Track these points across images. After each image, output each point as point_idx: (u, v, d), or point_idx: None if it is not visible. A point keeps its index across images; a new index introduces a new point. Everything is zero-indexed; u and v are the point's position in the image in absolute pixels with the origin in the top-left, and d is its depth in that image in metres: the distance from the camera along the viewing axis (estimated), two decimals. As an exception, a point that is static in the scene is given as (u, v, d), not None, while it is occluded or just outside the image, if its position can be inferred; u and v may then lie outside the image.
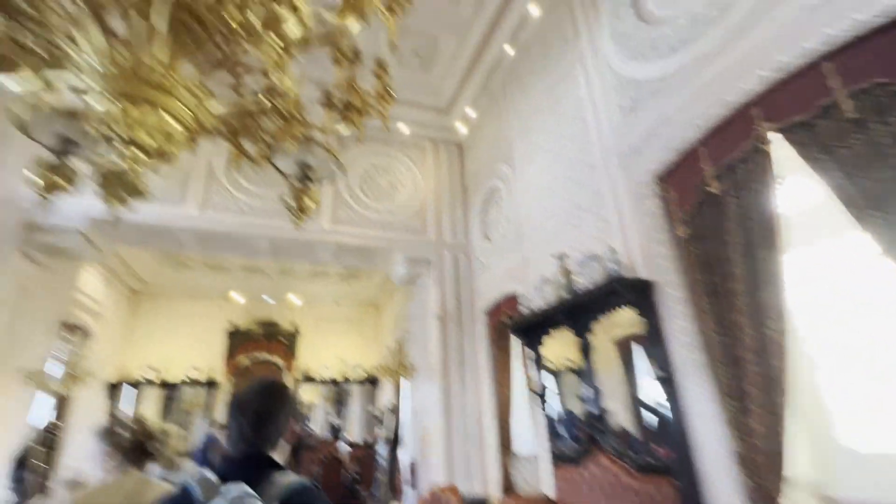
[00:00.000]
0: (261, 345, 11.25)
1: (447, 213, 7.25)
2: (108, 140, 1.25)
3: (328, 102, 1.94)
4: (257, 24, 0.92)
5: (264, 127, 1.67)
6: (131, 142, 1.20)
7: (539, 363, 4.63)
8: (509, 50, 6.02)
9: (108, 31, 1.17)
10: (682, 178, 3.29)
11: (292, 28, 0.94)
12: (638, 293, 3.44)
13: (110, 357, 9.22)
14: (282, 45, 0.96)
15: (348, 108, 1.80)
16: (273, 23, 0.92)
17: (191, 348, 10.62)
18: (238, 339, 11.13)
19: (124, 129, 1.19)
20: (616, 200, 3.95)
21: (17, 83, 1.43)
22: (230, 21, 1.09)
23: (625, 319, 3.66)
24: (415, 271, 6.87)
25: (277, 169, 1.86)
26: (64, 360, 5.72)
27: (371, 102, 1.85)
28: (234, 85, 1.59)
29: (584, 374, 3.96)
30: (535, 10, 5.41)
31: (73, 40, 1.29)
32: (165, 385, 10.01)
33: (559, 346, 4.56)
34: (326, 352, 11.65)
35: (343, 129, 1.79)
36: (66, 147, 1.63)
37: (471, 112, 7.19)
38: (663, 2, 3.73)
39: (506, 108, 6.36)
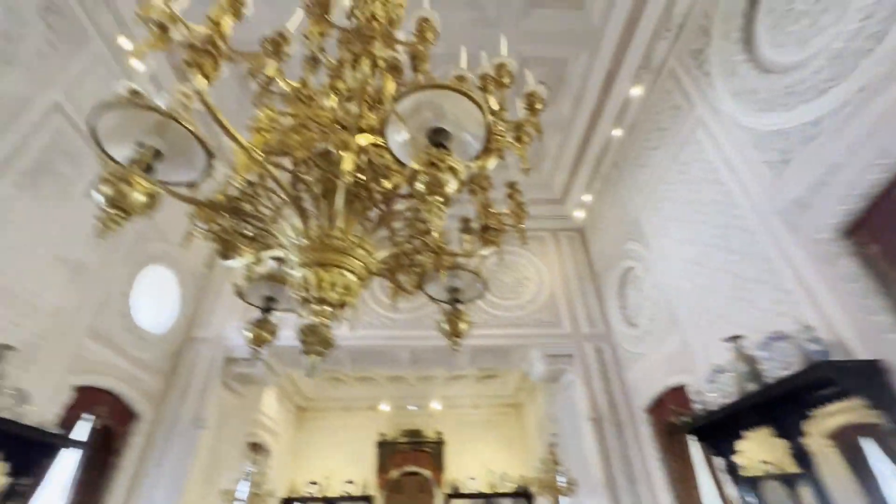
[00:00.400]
0: (408, 456, 11.26)
1: (580, 301, 6.90)
2: (304, 300, 1.49)
3: (466, 228, 2.09)
4: (423, 189, 1.06)
5: (416, 262, 1.84)
6: (321, 300, 1.41)
7: (734, 473, 3.73)
8: (616, 132, 6.04)
9: (302, 213, 1.47)
10: (885, 226, 2.67)
11: (452, 186, 1.06)
12: (863, 378, 2.68)
13: (282, 473, 10.06)
14: (442, 201, 1.07)
15: (486, 231, 1.90)
16: (436, 186, 1.05)
17: (346, 461, 11.10)
18: (387, 450, 11.33)
19: (316, 290, 1.41)
20: (792, 266, 3.33)
21: (236, 262, 1.84)
22: (397, 192, 1.30)
23: (839, 406, 2.85)
24: (555, 367, 6.45)
25: (430, 297, 1.99)
26: (250, 479, 6.39)
27: (507, 222, 1.93)
28: (391, 232, 1.81)
29: (800, 483, 3.05)
30: (636, 92, 5.44)
31: (276, 223, 1.64)
32: (326, 500, 10.41)
33: (753, 447, 3.65)
34: (471, 459, 11.13)
35: (484, 251, 1.87)
36: (269, 305, 1.99)
37: (586, 197, 7.15)
38: (787, 49, 3.45)
39: (623, 186, 6.18)
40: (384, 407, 11.80)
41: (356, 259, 1.46)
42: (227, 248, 1.85)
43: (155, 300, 5.94)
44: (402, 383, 11.50)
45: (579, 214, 7.49)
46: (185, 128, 1.22)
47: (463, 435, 11.61)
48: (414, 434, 11.57)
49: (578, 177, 7.07)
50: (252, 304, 1.99)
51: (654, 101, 5.35)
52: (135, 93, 1.57)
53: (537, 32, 5.16)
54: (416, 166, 1.10)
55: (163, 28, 1.27)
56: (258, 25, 2.56)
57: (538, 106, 1.65)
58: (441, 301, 2.03)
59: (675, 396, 4.84)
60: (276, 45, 1.42)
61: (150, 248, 5.62)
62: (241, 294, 1.92)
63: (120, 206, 1.16)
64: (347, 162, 1.22)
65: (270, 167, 1.36)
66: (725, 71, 4.12)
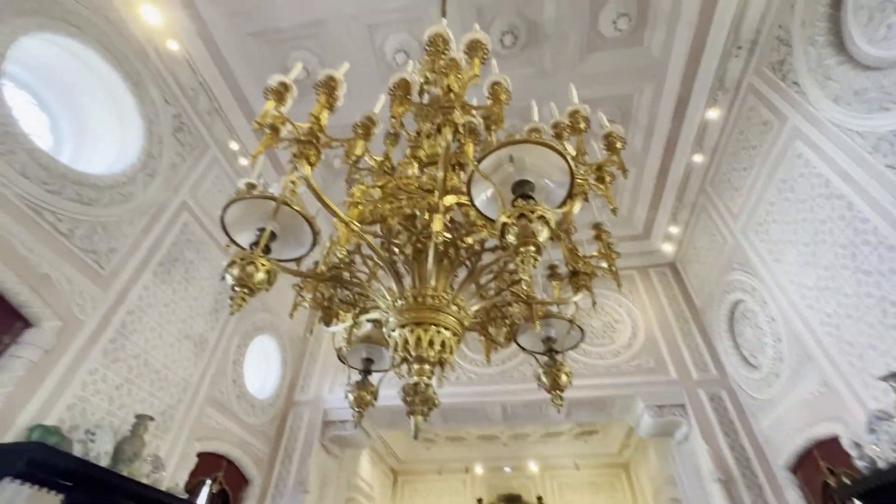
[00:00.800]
0: (509, 524, 10.47)
1: (683, 343, 6.25)
2: (403, 360, 1.52)
3: (553, 275, 2.04)
4: (515, 241, 1.07)
5: (507, 314, 1.82)
6: (419, 359, 1.43)
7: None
8: (697, 158, 5.69)
9: (396, 275, 1.54)
10: None
11: (544, 235, 1.06)
12: None
13: (380, 541, 9.81)
14: (535, 251, 1.07)
15: (575, 275, 1.84)
16: (528, 237, 1.05)
17: (443, 529, 10.57)
18: (486, 517, 10.65)
19: (414, 349, 1.44)
20: (957, 282, 2.76)
21: (336, 327, 1.95)
22: (482, 247, 1.34)
23: None
24: (666, 419, 5.77)
25: (524, 349, 1.93)
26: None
27: (595, 264, 1.86)
28: (478, 287, 1.83)
29: None
30: (713, 114, 5.16)
31: (372, 287, 1.74)
32: (427, 573, 9.87)
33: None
34: (580, 530, 10.02)
35: (576, 297, 1.80)
36: (368, 367, 2.06)
37: (673, 229, 6.69)
38: (892, 42, 3.10)
39: (715, 213, 5.71)
40: (478, 469, 11.26)
41: (450, 315, 1.48)
42: (328, 315, 1.98)
43: (260, 368, 6.45)
44: (494, 443, 10.98)
45: (668, 248, 6.99)
46: (295, 210, 1.38)
47: (565, 499, 10.59)
48: (513, 499, 10.80)
49: (661, 209, 6.68)
50: (352, 367, 2.07)
51: (737, 120, 5.01)
52: (251, 185, 1.83)
53: (596, 74, 5.20)
54: (505, 219, 1.12)
55: (274, 129, 1.47)
56: (341, 114, 2.86)
57: (618, 145, 1.63)
58: (536, 353, 1.96)
59: (827, 451, 4.05)
60: (366, 127, 1.59)
61: (256, 320, 6.20)
62: (342, 357, 2.02)
63: (246, 285, 1.31)
64: (437, 223, 1.28)
65: (367, 236, 1.47)
66: (817, 77, 3.77)
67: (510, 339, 1.96)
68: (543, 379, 1.78)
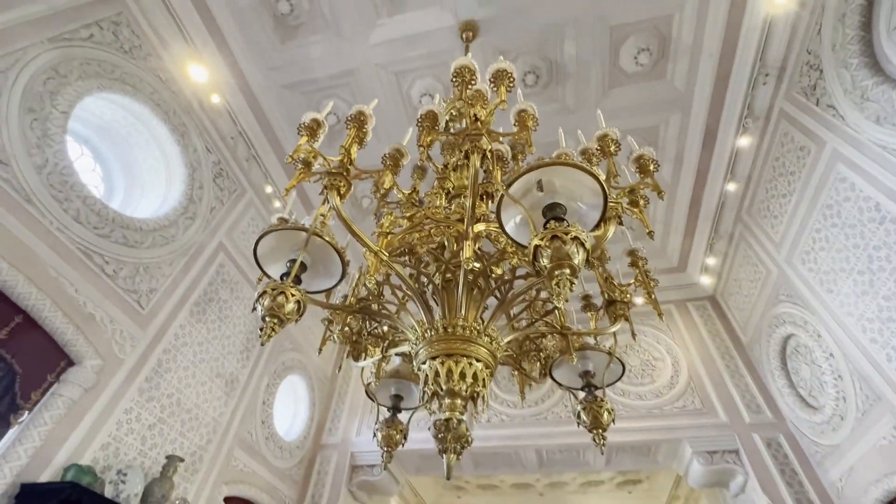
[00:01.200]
0: (548, 585, 9.63)
1: (731, 382, 5.82)
2: (434, 395, 1.46)
3: (588, 305, 1.96)
4: (549, 263, 1.03)
5: (541, 346, 1.74)
6: (451, 393, 1.36)
7: None
8: (730, 187, 5.53)
9: (426, 306, 1.51)
10: None
11: (579, 257, 1.01)
12: None
13: None
14: (570, 273, 1.02)
15: (612, 305, 1.76)
16: (562, 259, 1.01)
17: (478, 590, 9.81)
18: (522, 577, 9.85)
19: (445, 381, 1.38)
20: None
21: (365, 361, 1.91)
22: (513, 275, 1.31)
23: None
24: (718, 467, 5.29)
25: (560, 384, 1.83)
26: None
27: (632, 292, 1.78)
28: (510, 318, 1.77)
29: None
30: (745, 141, 5.05)
31: (401, 319, 1.70)
32: None
33: None
34: None
35: (612, 328, 1.71)
36: (397, 404, 1.99)
37: (710, 261, 6.42)
38: (935, 58, 2.99)
39: (756, 242, 5.46)
40: (513, 521, 10.55)
41: (482, 347, 1.43)
42: (357, 349, 1.95)
43: (289, 408, 6.40)
44: (529, 492, 10.33)
45: (706, 281, 6.68)
46: (326, 241, 1.39)
47: (613, 559, 9.70)
48: (552, 556, 9.99)
49: (696, 240, 6.45)
50: (381, 404, 2.01)
51: (770, 147, 4.88)
52: (283, 219, 1.87)
53: (620, 108, 5.22)
54: (537, 242, 1.08)
55: (307, 164, 1.51)
56: (370, 153, 2.93)
57: (651, 167, 1.58)
58: (573, 389, 1.85)
59: (911, 506, 3.57)
60: (395, 159, 1.63)
61: (286, 359, 6.22)
62: (370, 393, 1.96)
63: (276, 315, 1.31)
64: (467, 250, 1.26)
65: (396, 266, 1.46)
66: (855, 98, 3.66)
67: (545, 373, 1.86)
68: (583, 417, 1.66)
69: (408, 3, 4.52)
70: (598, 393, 1.70)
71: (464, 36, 4.50)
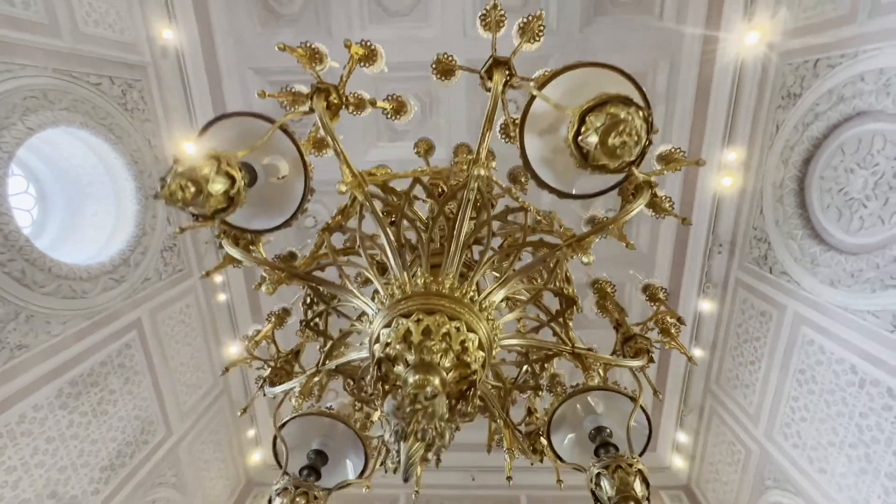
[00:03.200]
0: None
1: None
2: (390, 390, 0.94)
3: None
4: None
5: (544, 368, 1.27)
6: (422, 367, 0.87)
7: None
8: (697, 352, 5.45)
9: (404, 265, 1.10)
10: None
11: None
12: None
13: None
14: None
15: (631, 339, 1.38)
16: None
17: None
18: None
19: (416, 344, 0.90)
20: None
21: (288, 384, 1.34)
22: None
23: None
24: None
25: (559, 457, 1.29)
26: None
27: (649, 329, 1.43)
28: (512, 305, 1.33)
29: None
30: (707, 306, 5.21)
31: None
32: None
33: None
34: None
35: (636, 361, 1.30)
36: (318, 465, 1.32)
37: (682, 437, 5.87)
38: (871, 230, 3.35)
39: (728, 415, 5.10)
40: None
41: (478, 319, 0.99)
42: (278, 374, 1.40)
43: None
44: None
45: (679, 463, 5.97)
46: (293, 141, 1.07)
47: None
48: None
49: (664, 414, 6.01)
50: (284, 444, 1.31)
51: (732, 313, 5.02)
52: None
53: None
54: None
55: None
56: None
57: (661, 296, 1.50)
58: (577, 466, 1.29)
59: None
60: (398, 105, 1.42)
61: (158, 497, 4.65)
62: (280, 436, 1.30)
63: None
64: (477, 166, 0.97)
65: (376, 204, 1.12)
66: (806, 265, 3.94)
67: (538, 434, 1.33)
68: (604, 486, 1.09)
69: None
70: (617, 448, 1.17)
71: None
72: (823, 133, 3.73)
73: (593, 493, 1.10)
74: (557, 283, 1.30)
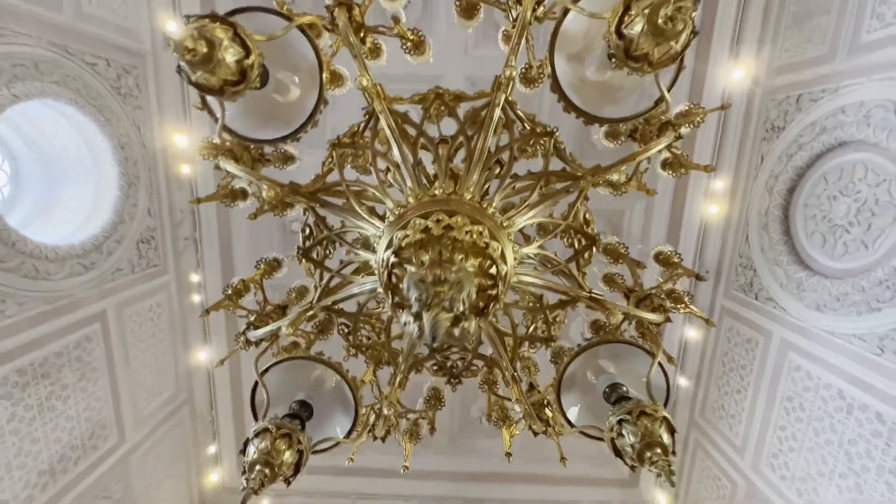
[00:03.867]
0: None
1: None
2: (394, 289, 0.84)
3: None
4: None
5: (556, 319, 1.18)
6: (438, 264, 0.78)
7: None
8: (682, 381, 5.37)
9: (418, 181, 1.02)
10: None
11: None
12: None
13: None
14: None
15: (647, 299, 1.31)
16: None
17: None
18: None
19: (433, 250, 0.81)
20: None
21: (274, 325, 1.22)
22: None
23: None
24: None
25: (567, 420, 1.18)
26: None
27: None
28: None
29: None
30: (692, 333, 5.18)
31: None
32: None
33: None
34: None
35: (654, 315, 1.23)
36: (303, 416, 1.18)
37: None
38: (854, 255, 3.43)
39: (712, 449, 4.98)
40: None
41: (491, 222, 0.92)
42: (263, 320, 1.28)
43: None
44: None
45: (662, 500, 5.75)
46: (309, 38, 1.01)
47: None
48: None
49: (648, 445, 5.85)
50: (263, 386, 1.16)
51: (718, 343, 5.00)
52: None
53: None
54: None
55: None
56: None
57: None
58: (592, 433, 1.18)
59: None
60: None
61: (100, 513, 4.19)
62: (260, 379, 1.16)
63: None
64: (507, 67, 0.92)
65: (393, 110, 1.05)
66: (791, 291, 3.98)
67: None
68: (628, 436, 0.99)
69: None
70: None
71: None
72: (807, 163, 3.88)
73: (613, 445, 0.99)
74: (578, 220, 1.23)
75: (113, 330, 4.21)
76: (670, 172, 1.39)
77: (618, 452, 0.98)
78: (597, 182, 1.13)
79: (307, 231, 1.24)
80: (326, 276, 1.15)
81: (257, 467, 0.92)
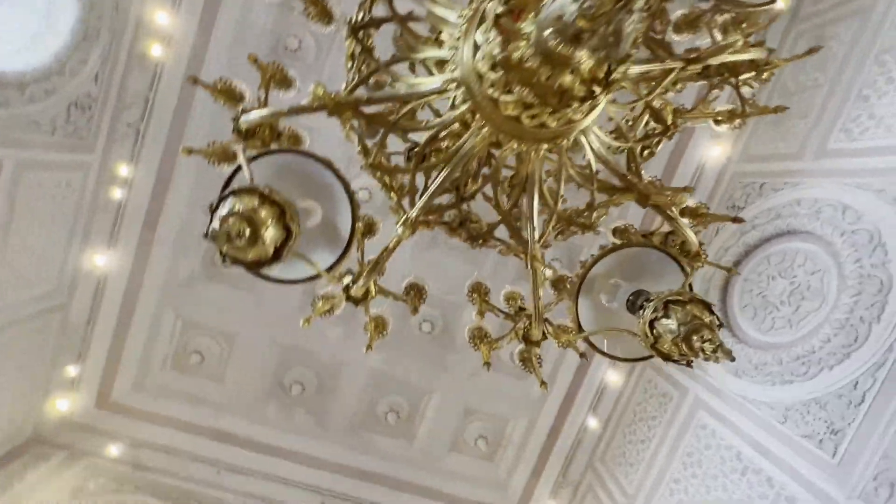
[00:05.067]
0: None
1: None
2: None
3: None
4: None
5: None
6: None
7: None
8: (591, 422, 5.47)
9: None
10: None
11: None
12: None
13: None
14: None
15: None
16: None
17: None
18: None
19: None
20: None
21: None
22: None
23: None
24: None
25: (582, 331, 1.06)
26: None
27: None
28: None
29: None
30: (614, 376, 5.34)
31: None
32: None
33: None
34: None
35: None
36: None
37: (551, 508, 5.66)
38: (781, 331, 3.72)
39: (604, 493, 5.05)
40: None
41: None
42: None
43: None
44: None
45: (542, 535, 5.69)
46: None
47: None
48: None
49: (542, 480, 5.82)
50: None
51: (635, 391, 5.17)
52: None
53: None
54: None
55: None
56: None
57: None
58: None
59: None
60: None
61: None
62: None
63: None
64: None
65: None
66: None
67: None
68: (667, 324, 0.88)
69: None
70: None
71: None
72: (756, 242, 4.23)
73: (648, 339, 0.89)
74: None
75: (3, 190, 3.50)
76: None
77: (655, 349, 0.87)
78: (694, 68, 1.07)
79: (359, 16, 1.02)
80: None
81: (233, 218, 0.68)
